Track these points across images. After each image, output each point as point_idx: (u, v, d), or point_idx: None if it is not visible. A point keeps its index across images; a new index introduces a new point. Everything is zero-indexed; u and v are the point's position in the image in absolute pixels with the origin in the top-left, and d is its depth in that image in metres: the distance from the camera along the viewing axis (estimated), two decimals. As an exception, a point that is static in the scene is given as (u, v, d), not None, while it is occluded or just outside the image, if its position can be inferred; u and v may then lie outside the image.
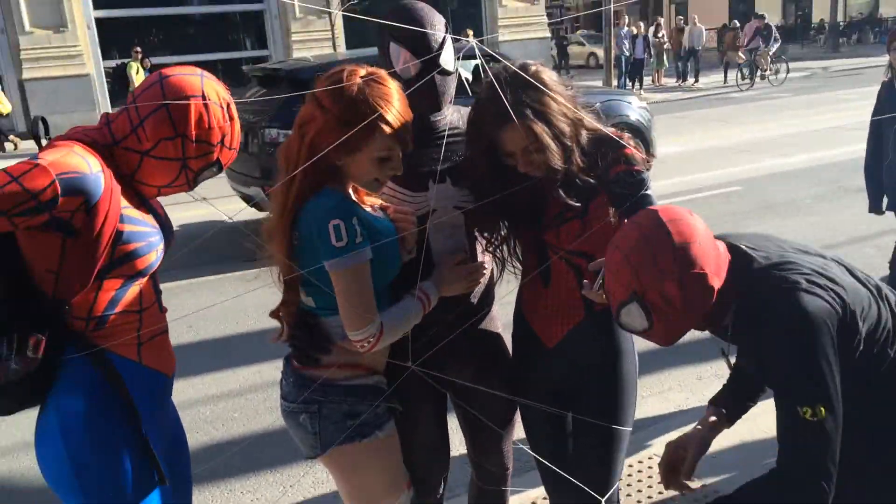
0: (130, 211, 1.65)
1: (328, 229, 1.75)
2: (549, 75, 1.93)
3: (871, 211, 4.53)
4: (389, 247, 1.86)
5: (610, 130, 1.97)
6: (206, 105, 1.65)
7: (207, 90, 1.67)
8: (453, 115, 2.11)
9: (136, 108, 1.64)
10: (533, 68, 1.91)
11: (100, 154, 1.62)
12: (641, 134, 8.41)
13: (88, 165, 1.55)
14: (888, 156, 4.16)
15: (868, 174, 4.50)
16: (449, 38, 2.00)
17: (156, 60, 18.75)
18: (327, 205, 1.78)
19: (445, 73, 2.00)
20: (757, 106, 15.59)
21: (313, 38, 18.32)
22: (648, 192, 1.96)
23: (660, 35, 20.94)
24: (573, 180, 1.93)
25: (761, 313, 1.72)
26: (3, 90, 14.17)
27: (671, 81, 20.80)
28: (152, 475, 1.69)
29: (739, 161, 9.74)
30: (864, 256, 5.96)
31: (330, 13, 17.08)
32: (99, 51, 17.19)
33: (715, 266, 1.72)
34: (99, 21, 17.09)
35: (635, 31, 20.31)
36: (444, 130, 2.06)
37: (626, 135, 1.98)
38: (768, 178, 8.97)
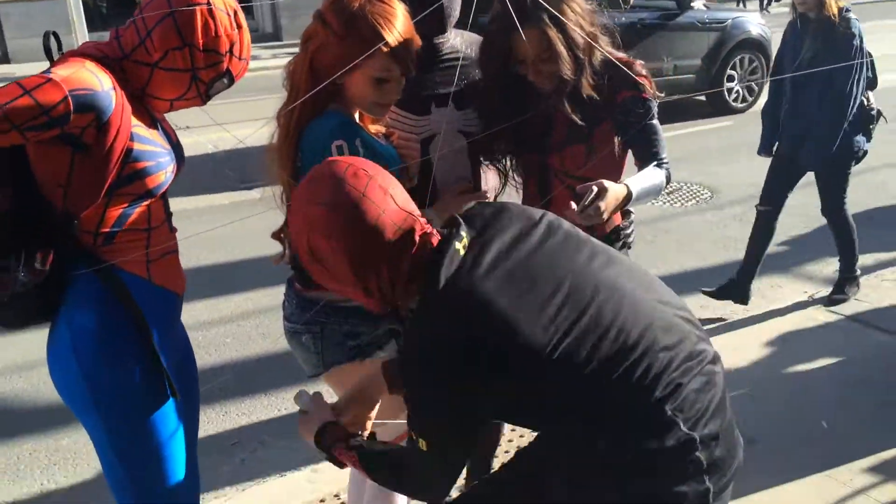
0: (141, 130, 1.63)
1: (331, 149, 1.75)
2: None
3: (759, 152, 4.42)
4: (393, 167, 1.84)
5: (621, 56, 1.95)
6: (211, 12, 1.61)
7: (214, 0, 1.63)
8: (456, 39, 2.08)
9: (143, 19, 1.61)
10: None
11: (111, 69, 1.60)
12: (763, 48, 9.08)
13: (100, 82, 1.53)
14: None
15: (765, 115, 4.35)
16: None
17: (134, -17, 18.27)
18: (330, 125, 1.78)
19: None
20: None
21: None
22: (653, 121, 1.96)
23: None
24: (581, 98, 1.91)
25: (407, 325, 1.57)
26: None
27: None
28: (165, 389, 1.70)
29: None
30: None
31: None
32: (74, -28, 16.61)
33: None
34: (74, -60, 16.49)
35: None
36: (448, 53, 2.04)
37: (639, 62, 1.96)
38: (757, 115, 8.95)
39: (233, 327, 4.24)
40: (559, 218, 1.54)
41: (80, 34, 16.25)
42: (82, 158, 1.56)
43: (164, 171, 1.68)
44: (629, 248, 2.13)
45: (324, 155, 1.74)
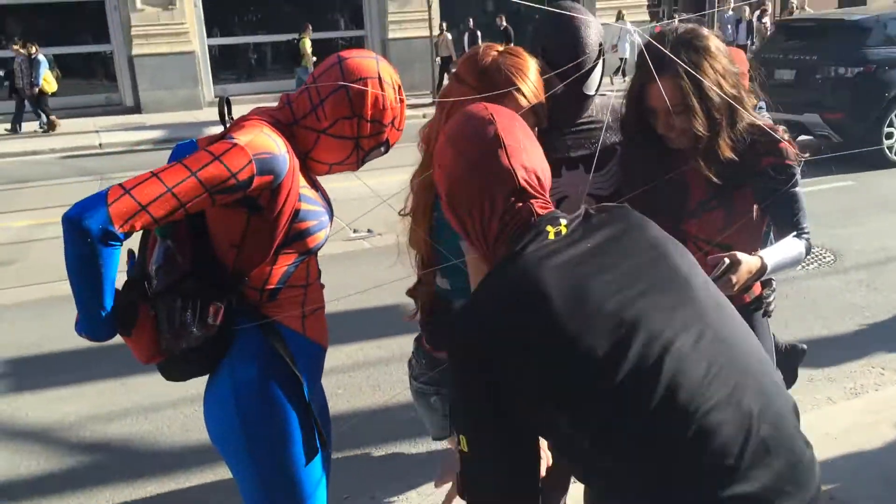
0: (306, 190, 1.73)
1: None
2: (717, 44, 1.90)
3: None
4: None
5: (766, 122, 1.91)
6: (381, 86, 1.72)
7: (383, 73, 1.75)
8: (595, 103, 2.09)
9: (318, 88, 1.72)
10: (705, 32, 1.91)
11: (283, 133, 1.70)
12: None
13: (277, 146, 1.63)
14: None
15: None
16: (601, 61, 1.99)
17: (252, 39, 19.25)
18: None
19: (585, 97, 1.99)
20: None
21: (409, 18, 18.39)
22: (797, 189, 1.90)
23: (764, 20, 20.14)
24: (719, 160, 1.87)
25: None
26: (49, 68, 14.49)
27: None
28: (315, 440, 1.76)
29: (850, 155, 9.30)
30: None
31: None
32: (204, 28, 17.70)
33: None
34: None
35: (739, 17, 19.59)
36: (581, 118, 2.05)
37: (781, 128, 1.92)
38: (882, 174, 8.55)
39: (344, 378, 4.31)
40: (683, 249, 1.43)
41: (207, 87, 17.24)
42: (256, 220, 1.66)
43: (324, 230, 1.78)
44: (769, 316, 2.07)
45: None
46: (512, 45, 1.94)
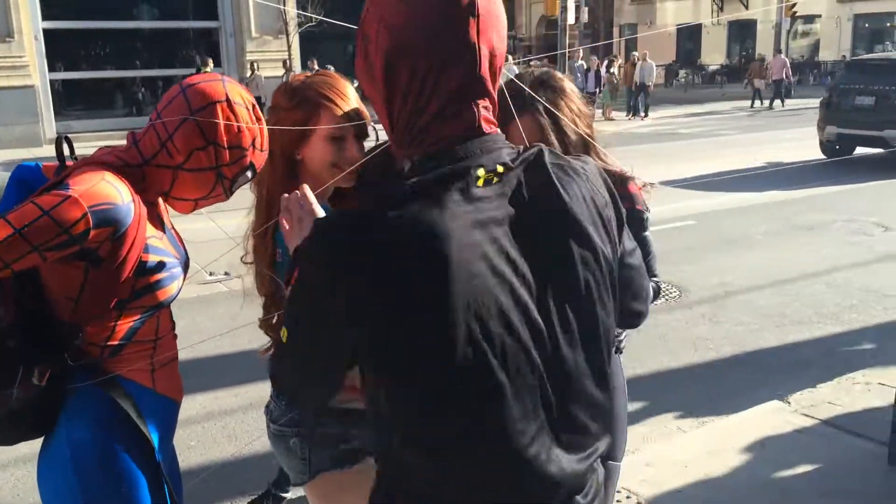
0: (155, 241, 1.61)
1: None
2: (571, 86, 1.97)
3: None
4: None
5: (617, 167, 1.98)
6: (231, 107, 1.61)
7: (231, 94, 1.64)
8: None
9: (164, 123, 1.60)
10: (559, 75, 1.98)
11: (132, 176, 1.58)
12: None
13: (120, 195, 1.50)
14: None
15: None
16: None
17: (102, 74, 18.43)
18: None
19: None
20: (707, 142, 16.00)
21: (268, 57, 18.21)
22: (647, 234, 1.97)
23: (612, 70, 21.39)
24: None
25: None
26: None
27: (621, 116, 21.22)
28: (165, 502, 1.61)
29: (693, 196, 9.94)
30: (814, 293, 6.12)
31: (287, 34, 17.02)
32: (45, 62, 16.77)
33: None
34: (46, 32, 16.69)
35: (587, 66, 20.72)
36: None
37: (631, 174, 1.99)
38: (721, 213, 9.18)
39: (197, 429, 4.08)
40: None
41: (49, 123, 16.28)
42: (95, 272, 1.52)
43: (176, 282, 1.65)
44: (621, 353, 2.12)
45: None
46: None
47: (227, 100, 1.61)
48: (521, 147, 1.19)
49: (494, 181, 1.12)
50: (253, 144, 1.66)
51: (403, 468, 1.15)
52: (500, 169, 1.13)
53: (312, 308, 1.12)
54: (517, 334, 1.09)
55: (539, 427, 1.12)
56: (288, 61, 17.48)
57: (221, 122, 1.60)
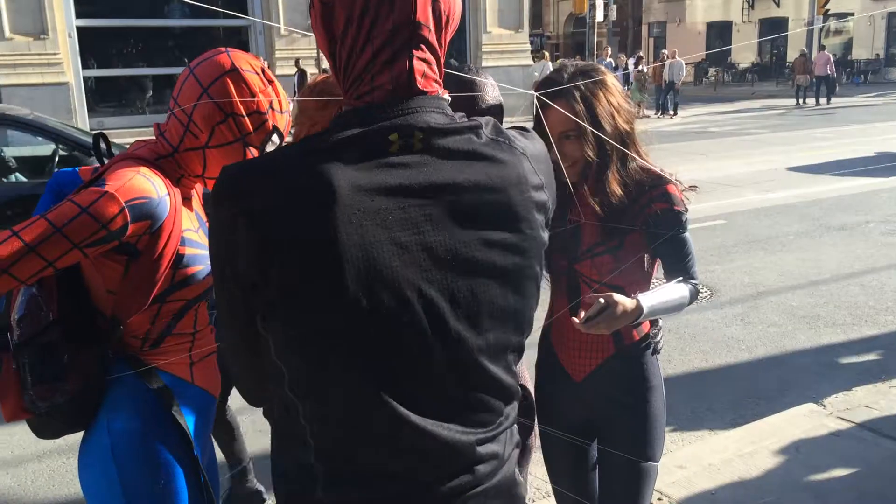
0: (191, 234, 1.62)
1: None
2: (613, 81, 1.95)
3: None
4: None
5: (656, 167, 1.96)
6: (241, 76, 1.60)
7: (238, 62, 1.63)
8: None
9: (182, 109, 1.61)
10: (603, 69, 1.96)
11: (168, 167, 1.60)
12: None
13: (155, 189, 1.52)
14: None
15: None
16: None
17: (134, 71, 18.65)
18: None
19: None
20: (737, 141, 15.83)
21: (297, 55, 18.31)
22: (685, 234, 1.95)
23: (640, 67, 21.24)
24: (604, 191, 1.91)
25: None
26: None
27: (650, 114, 21.07)
28: (202, 496, 1.63)
29: (722, 195, 9.84)
30: (849, 295, 6.03)
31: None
32: (79, 59, 16.99)
33: None
34: (80, 30, 16.91)
35: (615, 63, 20.59)
36: None
37: (669, 172, 1.97)
38: (751, 213, 9.07)
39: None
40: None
41: (82, 119, 16.51)
42: (134, 265, 1.54)
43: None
44: (658, 353, 2.10)
45: None
46: None
47: (235, 69, 1.61)
48: (461, 115, 1.13)
49: (416, 147, 1.06)
50: (271, 107, 1.65)
51: (300, 426, 1.12)
52: (418, 136, 1.07)
53: (217, 255, 1.10)
54: (411, 307, 1.06)
55: (432, 399, 1.11)
56: (298, 60, 17.55)
57: (232, 89, 1.59)
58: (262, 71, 1.67)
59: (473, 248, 1.09)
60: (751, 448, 3.60)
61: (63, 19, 16.42)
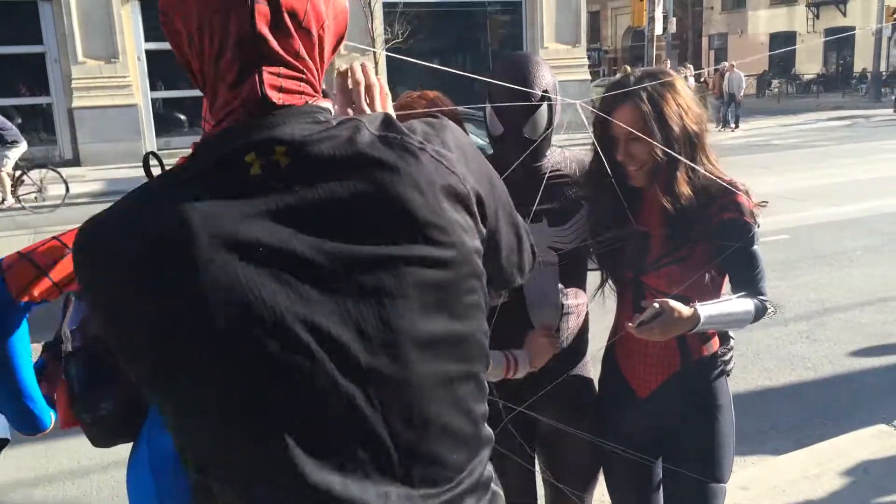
0: None
1: None
2: (683, 84, 1.94)
3: None
4: None
5: (727, 177, 1.93)
6: None
7: None
8: (556, 157, 2.10)
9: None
10: (672, 73, 1.97)
11: None
12: None
13: None
14: None
15: None
16: (545, 105, 1.98)
17: (199, 93, 19.15)
18: None
19: (526, 140, 1.98)
20: (801, 154, 15.44)
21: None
22: (754, 247, 1.91)
23: (701, 80, 20.92)
24: (673, 192, 1.89)
25: None
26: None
27: (711, 127, 20.66)
28: None
29: (786, 209, 9.60)
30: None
31: (374, 51, 17.34)
32: (147, 82, 17.55)
33: None
34: (148, 53, 17.48)
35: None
36: (545, 172, 2.05)
37: (741, 183, 1.93)
38: (816, 227, 8.82)
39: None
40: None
41: (150, 140, 17.04)
42: None
43: None
44: (727, 375, 2.05)
45: None
46: None
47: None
48: (337, 119, 0.98)
49: (283, 163, 0.92)
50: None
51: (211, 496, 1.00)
52: (280, 150, 0.93)
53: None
54: (309, 350, 0.90)
55: (357, 456, 0.93)
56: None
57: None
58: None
59: (373, 268, 0.93)
60: (817, 470, 3.49)
61: (133, 43, 16.99)
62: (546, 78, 1.98)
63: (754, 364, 4.97)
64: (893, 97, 24.23)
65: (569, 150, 2.15)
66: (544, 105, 1.96)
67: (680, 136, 1.87)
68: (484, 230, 1.04)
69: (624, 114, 1.87)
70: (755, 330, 5.51)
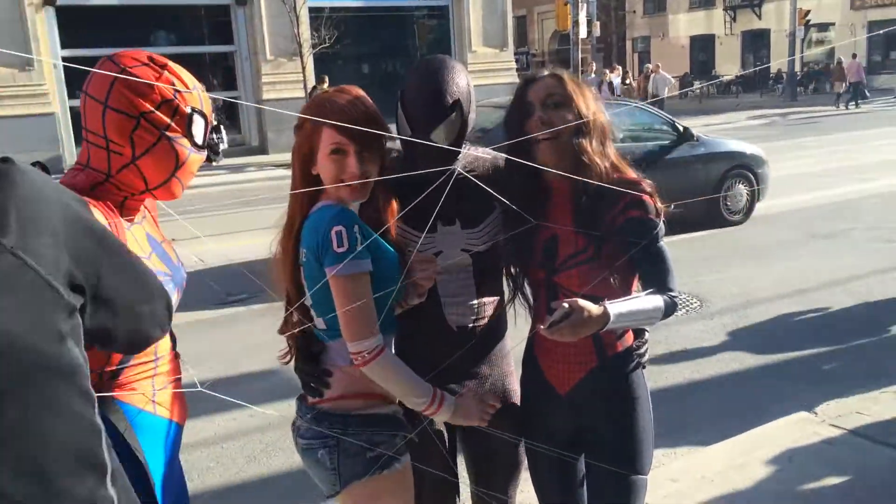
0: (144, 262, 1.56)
1: (331, 236, 1.77)
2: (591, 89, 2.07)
3: None
4: (390, 266, 1.88)
5: (632, 176, 1.95)
6: (127, 73, 1.53)
7: (120, 62, 1.56)
8: (468, 158, 2.09)
9: (92, 132, 1.55)
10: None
11: (105, 194, 1.54)
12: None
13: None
14: None
15: None
16: (454, 113, 1.96)
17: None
18: (328, 213, 1.82)
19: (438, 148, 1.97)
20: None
21: (283, 79, 18.35)
22: (661, 245, 1.93)
23: (627, 82, 21.37)
24: (588, 209, 1.91)
25: None
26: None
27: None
28: None
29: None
30: (839, 304, 6.02)
31: (301, 55, 17.14)
32: (65, 89, 16.98)
33: None
34: (65, 59, 16.90)
35: (601, 78, 20.71)
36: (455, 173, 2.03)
37: (647, 181, 1.96)
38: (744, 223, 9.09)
39: (217, 450, 4.06)
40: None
41: (69, 149, 16.43)
42: None
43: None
44: (644, 367, 2.07)
45: (324, 245, 1.76)
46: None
47: (122, 69, 1.54)
48: None
49: None
50: (176, 90, 1.57)
51: None
52: None
53: None
54: None
55: None
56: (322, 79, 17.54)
57: (123, 91, 1.53)
58: (151, 59, 1.59)
59: None
60: (743, 459, 3.57)
61: (48, 50, 16.42)
62: (459, 84, 1.96)
63: (681, 358, 5.07)
64: (836, 94, 25.86)
65: (481, 148, 2.14)
66: (454, 114, 1.95)
67: (594, 115, 1.94)
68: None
69: (544, 82, 1.95)
70: (682, 325, 5.65)
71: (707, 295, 6.34)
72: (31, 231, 0.96)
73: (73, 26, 16.73)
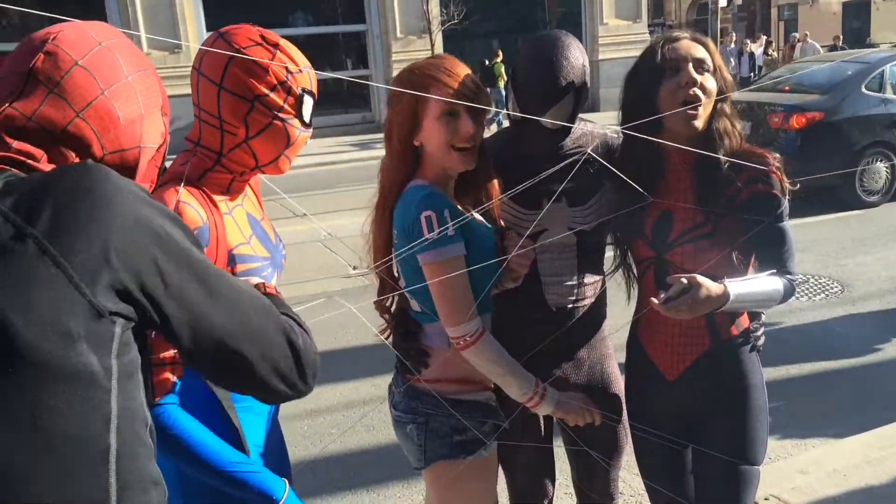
0: (242, 248, 1.58)
1: (420, 221, 1.74)
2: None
3: None
4: (484, 248, 1.84)
5: (757, 150, 1.85)
6: (243, 56, 1.53)
7: (235, 42, 1.56)
8: (577, 133, 2.03)
9: (205, 111, 1.57)
10: None
11: (214, 179, 1.58)
12: None
13: (199, 216, 1.50)
14: None
15: None
16: (570, 94, 1.90)
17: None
18: (417, 197, 1.78)
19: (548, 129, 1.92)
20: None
21: (412, 57, 18.49)
22: (783, 224, 1.82)
23: (770, 52, 20.23)
24: (711, 180, 1.83)
25: None
26: None
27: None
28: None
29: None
30: None
31: (430, 33, 17.27)
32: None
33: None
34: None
35: (742, 49, 19.70)
36: (568, 149, 2.00)
37: (775, 155, 1.84)
38: (891, 205, 8.46)
39: (338, 417, 4.21)
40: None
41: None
42: None
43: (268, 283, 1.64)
44: (758, 351, 1.96)
45: (413, 230, 1.74)
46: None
47: (236, 50, 1.54)
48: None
49: None
50: (289, 72, 1.57)
51: None
52: None
53: None
54: None
55: None
56: None
57: (239, 74, 1.54)
58: (263, 38, 1.59)
59: None
60: (880, 454, 3.34)
61: (195, 31, 17.32)
62: (574, 63, 1.89)
63: (819, 345, 4.78)
64: None
65: (590, 126, 2.07)
66: (568, 96, 1.89)
67: (730, 86, 1.87)
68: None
69: (689, 43, 1.86)
70: (821, 309, 5.33)
71: (849, 279, 5.94)
72: (70, 228, 0.92)
73: (218, 8, 17.55)
